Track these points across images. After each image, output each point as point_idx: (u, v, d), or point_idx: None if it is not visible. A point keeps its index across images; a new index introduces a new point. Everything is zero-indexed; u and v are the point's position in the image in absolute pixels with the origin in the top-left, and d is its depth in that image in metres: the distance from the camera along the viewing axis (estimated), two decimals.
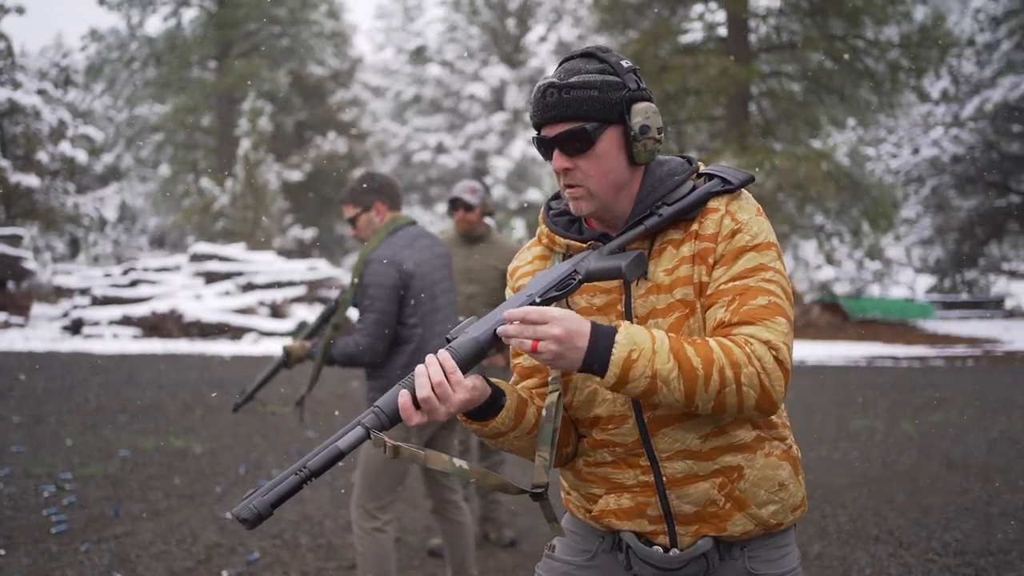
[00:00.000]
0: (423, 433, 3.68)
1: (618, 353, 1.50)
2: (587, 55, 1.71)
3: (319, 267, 21.65)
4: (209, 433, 8.14)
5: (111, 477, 6.43)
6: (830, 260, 31.84)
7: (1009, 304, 35.66)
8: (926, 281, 39.55)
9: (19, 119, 27.60)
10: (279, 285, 20.18)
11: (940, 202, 33.03)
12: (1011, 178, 31.67)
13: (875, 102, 26.00)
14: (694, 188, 1.69)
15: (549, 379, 1.75)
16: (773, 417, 1.72)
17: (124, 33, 37.64)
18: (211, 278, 21.03)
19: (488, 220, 5.06)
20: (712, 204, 1.67)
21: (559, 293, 1.63)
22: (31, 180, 26.81)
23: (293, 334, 3.99)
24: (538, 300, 1.62)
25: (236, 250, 22.39)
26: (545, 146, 1.69)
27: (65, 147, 28.12)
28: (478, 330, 1.59)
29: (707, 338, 1.57)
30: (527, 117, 37.15)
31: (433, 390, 1.52)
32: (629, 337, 1.52)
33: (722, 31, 26.30)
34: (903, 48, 24.34)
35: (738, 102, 24.86)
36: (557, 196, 1.85)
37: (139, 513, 5.52)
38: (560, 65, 1.72)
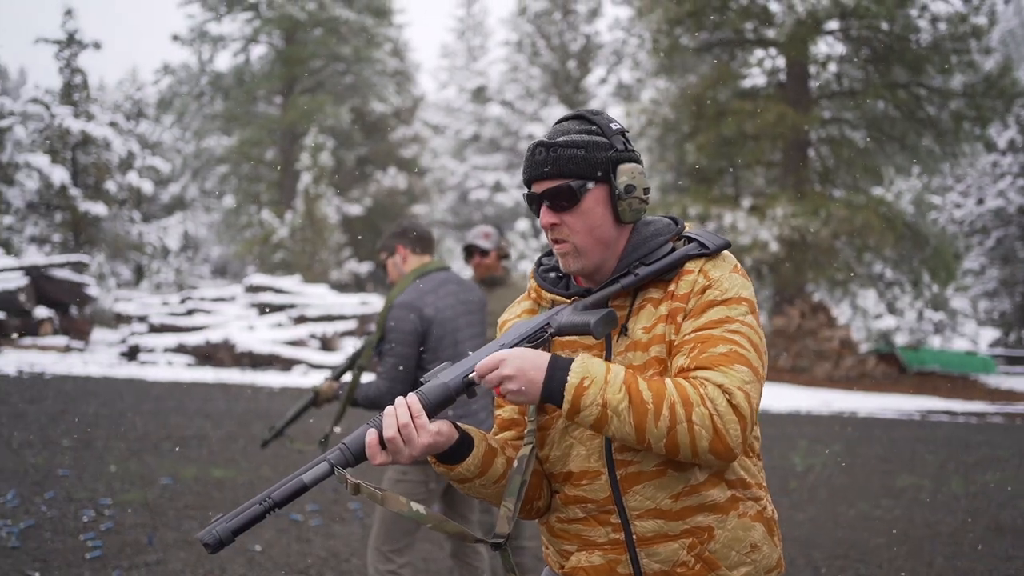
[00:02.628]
0: (443, 480, 3.70)
1: (571, 380, 1.56)
2: (578, 117, 1.78)
3: (370, 301, 21.86)
4: (249, 464, 8.24)
5: (149, 504, 6.53)
6: (892, 310, 31.28)
7: None
8: (990, 334, 38.55)
9: (91, 149, 28.51)
10: (330, 318, 20.41)
11: (1006, 254, 32.29)
12: None
13: (938, 151, 25.65)
14: (673, 249, 1.74)
15: (525, 432, 1.79)
16: (747, 477, 1.73)
17: (195, 68, 38.70)
18: (265, 309, 21.37)
19: (505, 263, 5.11)
20: (689, 266, 1.71)
21: (529, 344, 1.69)
22: (99, 208, 27.61)
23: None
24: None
25: (290, 282, 22.71)
26: (534, 202, 1.76)
27: (132, 177, 28.93)
28: (449, 376, 1.65)
29: (665, 377, 1.60)
30: None
31: (399, 432, 1.58)
32: (583, 366, 1.57)
33: (782, 77, 26.22)
34: (967, 97, 24.01)
35: (796, 148, 24.72)
36: (550, 253, 1.91)
37: (172, 541, 5.59)
38: (554, 126, 1.79)
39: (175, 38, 37.27)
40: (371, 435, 1.59)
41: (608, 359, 1.73)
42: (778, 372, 22.65)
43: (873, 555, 5.97)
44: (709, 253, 1.71)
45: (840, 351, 23.29)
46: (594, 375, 1.56)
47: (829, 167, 26.46)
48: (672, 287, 1.70)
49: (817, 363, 23.01)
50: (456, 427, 1.68)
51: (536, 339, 1.70)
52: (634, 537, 1.69)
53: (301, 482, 1.57)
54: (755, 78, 27.08)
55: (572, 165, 1.70)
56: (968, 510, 7.60)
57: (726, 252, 1.75)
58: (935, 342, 36.30)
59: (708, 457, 1.56)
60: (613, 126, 1.75)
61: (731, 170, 26.17)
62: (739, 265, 1.74)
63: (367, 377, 3.97)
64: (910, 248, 25.49)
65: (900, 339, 32.42)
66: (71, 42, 29.15)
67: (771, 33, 25.10)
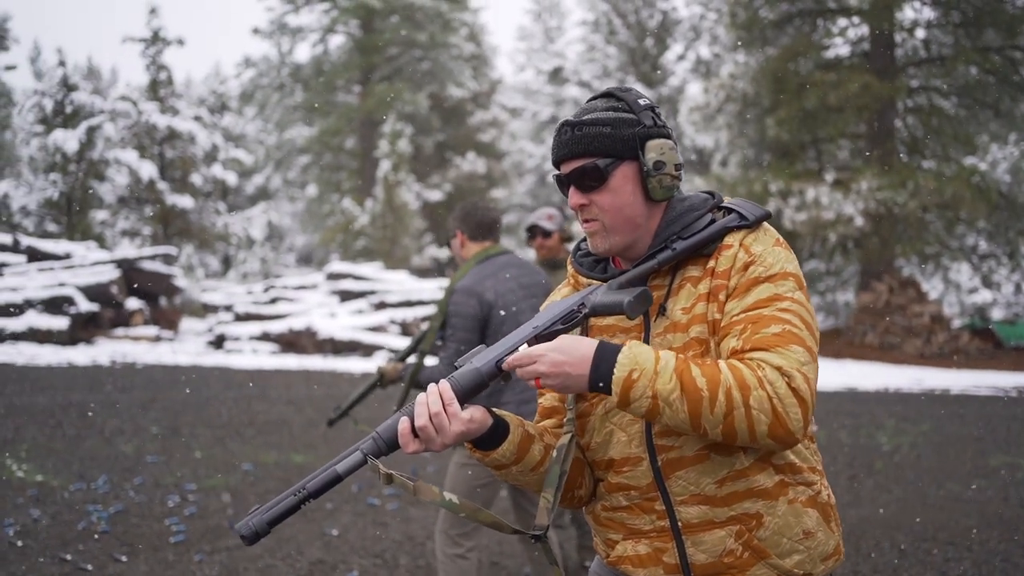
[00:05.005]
0: None
1: (618, 373, 1.50)
2: (606, 95, 1.74)
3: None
4: (329, 449, 8.36)
5: (231, 489, 6.68)
6: (987, 283, 30.19)
7: None
8: None
9: (177, 144, 29.30)
10: (410, 304, 20.59)
11: None
12: None
13: None
14: (712, 222, 1.68)
15: (564, 420, 1.76)
16: (796, 461, 1.66)
17: (275, 60, 39.39)
18: (345, 296, 21.67)
19: (568, 246, 5.03)
20: (728, 240, 1.65)
21: (564, 327, 1.66)
22: (186, 201, 28.38)
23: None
24: (542, 332, 1.65)
25: (370, 269, 23.00)
26: (562, 183, 1.73)
27: (217, 169, 29.66)
28: (482, 361, 1.62)
29: (719, 360, 1.54)
30: None
31: (430, 420, 1.56)
32: (631, 357, 1.51)
33: (866, 45, 25.42)
34: None
35: (882, 119, 23.96)
36: None
37: None
38: (582, 105, 1.76)
39: (255, 31, 37.98)
40: (403, 424, 1.57)
41: (647, 341, 1.68)
42: (866, 349, 22.09)
43: (963, 537, 5.76)
44: (749, 224, 1.65)
45: (931, 327, 22.57)
46: (643, 366, 1.50)
47: (917, 137, 25.61)
48: (712, 263, 1.64)
49: (907, 340, 22.34)
50: (491, 413, 1.65)
51: (570, 320, 1.66)
52: (679, 524, 1.65)
53: (335, 472, 1.57)
54: (838, 48, 26.34)
55: (598, 143, 1.66)
56: None
57: (767, 224, 1.68)
58: None
59: (767, 442, 1.50)
60: (641, 102, 1.70)
61: (814, 144, 25.52)
62: (781, 238, 1.67)
63: (431, 361, 3.98)
64: (1006, 218, 24.53)
65: (997, 314, 31.28)
66: (155, 40, 29.95)
67: (854, 1, 24.34)
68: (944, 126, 24.76)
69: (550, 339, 1.64)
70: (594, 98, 1.75)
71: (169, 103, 29.67)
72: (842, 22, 26.09)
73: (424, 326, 4.04)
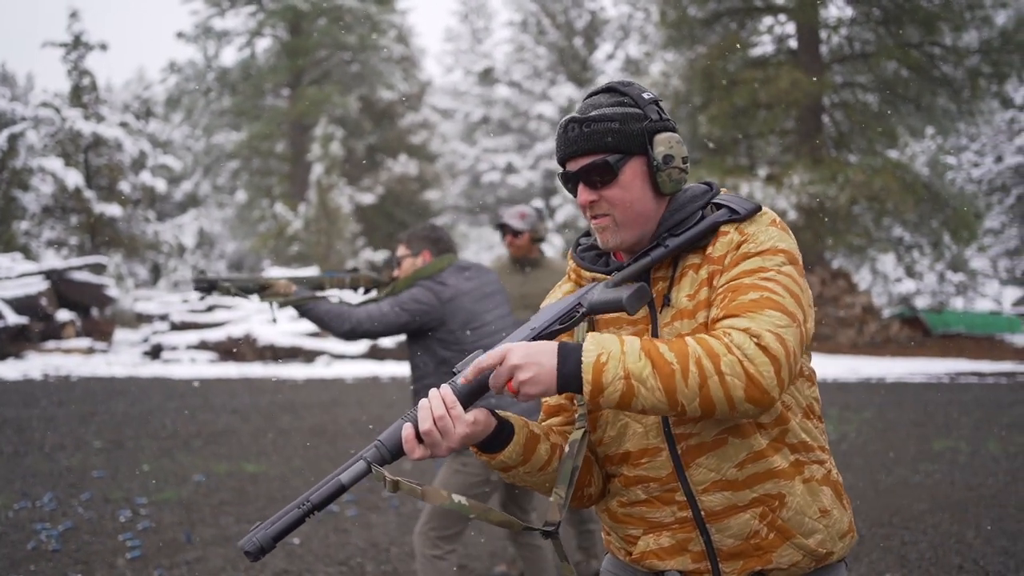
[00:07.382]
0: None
1: (587, 359, 1.47)
2: (609, 90, 1.74)
3: None
4: (280, 457, 8.23)
5: (185, 502, 6.53)
6: (911, 273, 31.06)
7: None
8: (1013, 293, 38.22)
9: (103, 151, 28.55)
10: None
11: None
12: None
13: (954, 110, 25.36)
14: (703, 217, 1.69)
15: (576, 416, 1.73)
16: (808, 439, 1.66)
17: (201, 64, 38.64)
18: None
19: (538, 247, 5.03)
20: (725, 228, 1.66)
21: (562, 326, 1.64)
22: (114, 209, 27.67)
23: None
24: (541, 333, 1.62)
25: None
26: (570, 181, 1.72)
27: (145, 176, 28.98)
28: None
29: (684, 336, 1.54)
30: None
31: (435, 424, 1.53)
32: (596, 342, 1.49)
33: (793, 43, 25.96)
34: (983, 54, 23.70)
35: (810, 115, 24.50)
36: (588, 233, 1.87)
37: (211, 538, 5.58)
38: (584, 101, 1.74)
39: (180, 35, 37.21)
40: (407, 429, 1.54)
41: (655, 333, 1.67)
42: None
43: (917, 520, 5.90)
44: (740, 218, 1.65)
45: (863, 317, 23.15)
46: (610, 348, 1.48)
47: (844, 132, 26.23)
48: (709, 250, 1.65)
49: (840, 330, 22.87)
50: (494, 415, 1.62)
51: (568, 319, 1.64)
52: (702, 513, 1.64)
53: (339, 483, 1.52)
54: (765, 46, 26.85)
55: (607, 139, 1.65)
56: (1009, 471, 7.51)
57: (763, 210, 1.69)
58: (957, 304, 36.04)
59: (746, 407, 1.47)
60: (646, 96, 1.70)
61: (745, 139, 25.97)
62: (779, 219, 1.67)
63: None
64: (929, 210, 25.26)
65: (921, 302, 32.20)
66: (77, 44, 29.12)
67: None
68: (869, 121, 25.40)
69: (548, 340, 1.62)
70: (594, 93, 1.74)
71: (93, 109, 28.89)
72: (768, 20, 26.61)
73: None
